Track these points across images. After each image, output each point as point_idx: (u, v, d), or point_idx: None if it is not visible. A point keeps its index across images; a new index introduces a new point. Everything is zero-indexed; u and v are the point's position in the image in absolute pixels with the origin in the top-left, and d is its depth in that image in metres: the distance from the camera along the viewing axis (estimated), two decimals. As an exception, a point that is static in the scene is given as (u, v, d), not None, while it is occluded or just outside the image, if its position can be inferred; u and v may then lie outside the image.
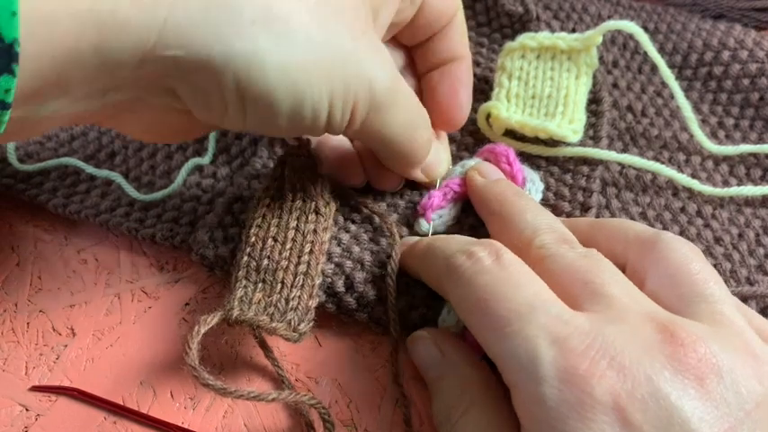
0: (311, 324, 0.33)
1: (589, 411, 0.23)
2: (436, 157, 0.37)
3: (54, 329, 0.36)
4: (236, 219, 0.38)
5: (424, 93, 0.38)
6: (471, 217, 0.37)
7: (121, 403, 0.33)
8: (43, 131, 0.28)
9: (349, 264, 0.35)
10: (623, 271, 0.29)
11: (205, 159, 0.41)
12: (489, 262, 0.28)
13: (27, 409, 0.33)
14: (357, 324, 0.36)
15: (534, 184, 0.38)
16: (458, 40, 0.37)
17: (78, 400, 0.34)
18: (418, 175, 0.37)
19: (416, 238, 0.36)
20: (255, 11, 0.24)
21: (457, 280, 0.28)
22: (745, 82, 0.43)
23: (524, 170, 0.38)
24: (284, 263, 0.34)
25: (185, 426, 0.33)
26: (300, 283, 0.33)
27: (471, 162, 0.38)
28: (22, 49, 0.20)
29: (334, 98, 0.27)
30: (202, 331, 0.30)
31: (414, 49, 0.38)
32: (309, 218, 0.35)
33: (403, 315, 0.34)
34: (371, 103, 0.29)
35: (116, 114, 0.28)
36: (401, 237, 0.36)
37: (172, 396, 0.34)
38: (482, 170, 0.37)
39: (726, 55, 0.44)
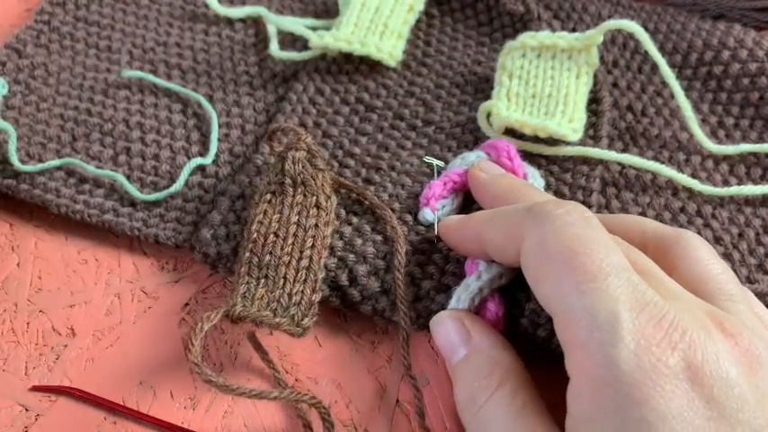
0: (314, 319, 0.33)
1: (663, 379, 0.23)
2: None
3: (54, 329, 0.36)
4: (239, 216, 0.38)
5: None
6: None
7: (121, 403, 0.33)
8: None
9: (352, 257, 0.35)
10: None
11: (207, 159, 0.41)
12: (577, 216, 0.27)
13: (27, 409, 0.33)
14: (357, 324, 0.36)
15: (535, 180, 0.38)
16: None
17: (78, 400, 0.34)
18: None
19: (458, 216, 0.35)
20: None
21: (543, 222, 0.27)
22: (745, 81, 0.43)
23: (525, 166, 0.38)
24: (286, 258, 0.34)
25: (185, 426, 0.33)
26: (303, 278, 0.33)
27: (472, 155, 0.38)
28: None
29: None
30: (206, 328, 0.30)
31: None
32: (311, 212, 0.35)
33: (408, 307, 0.34)
34: None
35: None
36: (404, 227, 0.36)
37: (172, 396, 0.34)
38: (484, 167, 0.37)
39: (725, 54, 0.44)
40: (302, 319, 0.32)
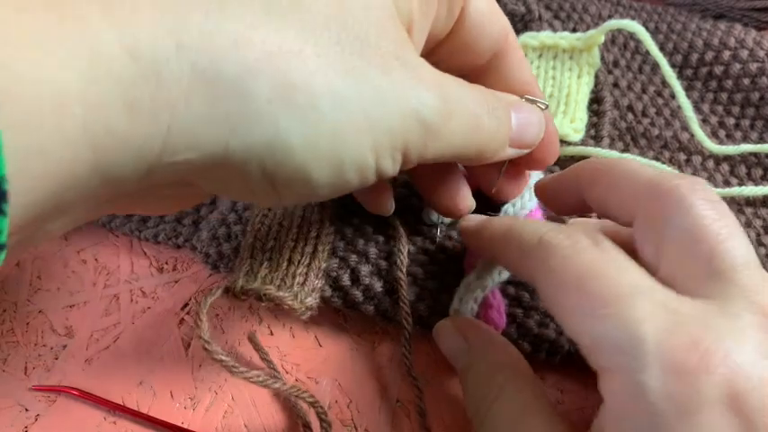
0: (318, 301, 0.33)
1: (696, 408, 0.21)
2: (525, 122, 0.30)
3: (53, 329, 0.36)
4: (240, 216, 0.38)
5: None
6: (476, 212, 0.37)
7: (121, 403, 0.33)
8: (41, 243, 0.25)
9: (354, 257, 0.35)
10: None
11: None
12: (587, 243, 0.26)
13: (27, 409, 0.33)
14: (357, 324, 0.36)
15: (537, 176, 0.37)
16: (517, 76, 0.31)
17: (78, 400, 0.34)
18: (509, 153, 0.30)
19: (478, 216, 0.33)
20: (271, 89, 0.21)
21: (552, 255, 0.26)
22: (746, 81, 0.43)
23: None
24: (291, 243, 0.34)
25: (185, 426, 0.33)
26: (307, 262, 0.33)
27: None
28: (11, 185, 0.17)
29: (378, 149, 0.24)
30: (209, 301, 0.30)
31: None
32: (315, 209, 0.35)
33: (410, 307, 0.34)
34: (424, 135, 0.25)
35: (124, 208, 0.27)
36: (405, 227, 0.36)
37: (172, 396, 0.34)
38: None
39: (726, 54, 0.44)
40: (305, 298, 0.32)
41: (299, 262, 0.33)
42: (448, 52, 0.31)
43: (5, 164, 0.17)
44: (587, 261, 0.25)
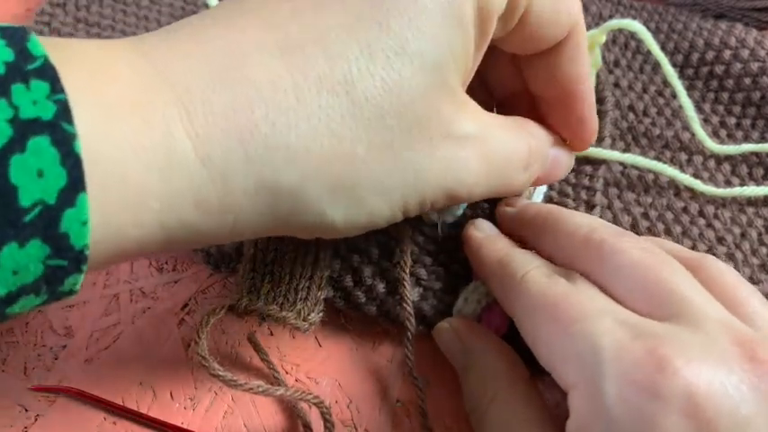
0: (321, 314, 0.33)
1: (655, 415, 0.21)
2: (555, 163, 0.33)
3: (53, 329, 0.36)
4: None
5: (538, 111, 0.34)
6: (479, 209, 0.37)
7: (121, 403, 0.33)
8: None
9: (356, 258, 0.35)
10: None
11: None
12: (563, 281, 0.27)
13: (27, 409, 0.33)
14: (358, 324, 0.36)
15: None
16: (572, 68, 0.31)
17: (78, 400, 0.33)
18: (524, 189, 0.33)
19: (484, 223, 0.35)
20: (322, 191, 0.24)
21: (531, 288, 0.28)
22: (747, 81, 0.43)
23: None
24: (292, 254, 0.34)
25: (185, 426, 0.33)
26: (309, 275, 0.33)
27: None
28: (90, 251, 0.21)
29: (408, 209, 0.27)
30: (211, 321, 0.31)
31: (518, 60, 0.33)
32: None
33: (414, 307, 0.34)
34: (452, 200, 0.28)
35: None
36: (408, 227, 0.36)
37: (171, 396, 0.34)
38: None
39: (727, 54, 0.44)
40: (308, 315, 0.32)
41: (300, 275, 0.33)
42: (507, 43, 0.30)
43: (89, 236, 0.20)
44: (562, 291, 0.27)
